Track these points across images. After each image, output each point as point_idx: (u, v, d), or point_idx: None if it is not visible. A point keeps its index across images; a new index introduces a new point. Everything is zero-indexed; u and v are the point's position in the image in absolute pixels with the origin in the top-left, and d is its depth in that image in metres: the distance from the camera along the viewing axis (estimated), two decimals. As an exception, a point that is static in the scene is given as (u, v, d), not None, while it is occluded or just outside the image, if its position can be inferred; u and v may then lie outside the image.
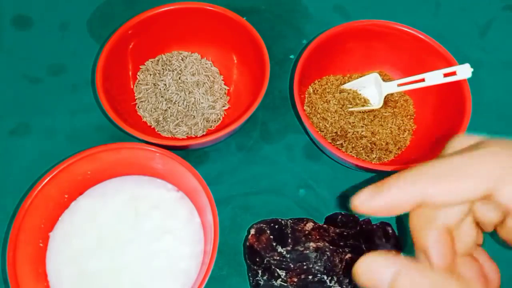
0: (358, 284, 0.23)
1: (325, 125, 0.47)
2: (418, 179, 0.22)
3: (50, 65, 0.52)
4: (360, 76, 0.50)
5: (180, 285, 0.37)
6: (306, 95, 0.49)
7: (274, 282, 0.38)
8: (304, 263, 0.38)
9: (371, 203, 0.23)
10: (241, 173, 0.46)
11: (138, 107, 0.48)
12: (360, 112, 0.48)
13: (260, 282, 0.38)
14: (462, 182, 0.21)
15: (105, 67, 0.43)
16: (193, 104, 0.47)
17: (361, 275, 0.23)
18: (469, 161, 0.21)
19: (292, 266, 0.38)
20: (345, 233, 0.40)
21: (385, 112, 0.48)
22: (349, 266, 0.38)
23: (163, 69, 0.48)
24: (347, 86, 0.49)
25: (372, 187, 0.23)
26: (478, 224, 0.24)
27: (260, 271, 0.38)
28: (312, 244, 0.38)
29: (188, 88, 0.47)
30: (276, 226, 0.40)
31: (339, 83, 0.49)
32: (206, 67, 0.49)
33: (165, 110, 0.47)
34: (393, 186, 0.22)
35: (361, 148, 0.46)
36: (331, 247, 0.38)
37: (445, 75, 0.43)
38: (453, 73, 0.42)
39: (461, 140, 0.24)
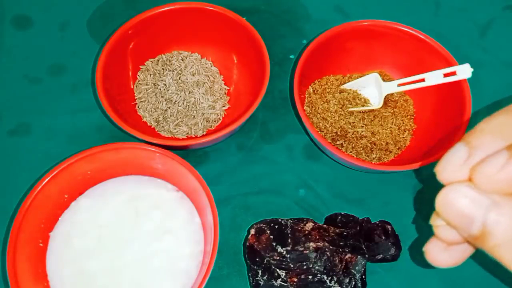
0: (442, 216, 0.19)
1: (325, 125, 0.47)
2: None
3: (50, 65, 0.52)
4: (360, 76, 0.50)
5: (180, 285, 0.37)
6: (306, 95, 0.49)
7: (274, 282, 0.38)
8: (304, 263, 0.38)
9: (509, 170, 0.18)
10: (241, 173, 0.46)
11: (138, 107, 0.48)
12: (360, 112, 0.48)
13: (260, 282, 0.38)
14: None
15: (105, 67, 0.43)
16: (193, 104, 0.47)
17: (447, 207, 0.19)
18: None
19: (292, 266, 0.38)
20: (345, 233, 0.40)
21: (385, 112, 0.48)
22: (349, 266, 0.38)
23: (163, 69, 0.48)
24: (347, 86, 0.49)
25: (498, 153, 0.18)
26: None
27: (260, 271, 0.38)
28: (312, 244, 0.38)
29: (188, 88, 0.47)
30: (276, 226, 0.40)
31: (339, 83, 0.49)
32: (206, 67, 0.49)
33: (165, 110, 0.47)
34: None
35: (361, 148, 0.46)
36: (331, 247, 0.38)
37: (445, 75, 0.43)
38: (453, 73, 0.42)
39: None
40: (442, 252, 0.22)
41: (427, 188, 0.46)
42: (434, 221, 0.21)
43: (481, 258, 0.39)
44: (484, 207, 0.18)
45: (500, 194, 0.18)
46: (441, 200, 0.19)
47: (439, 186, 0.21)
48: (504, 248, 0.18)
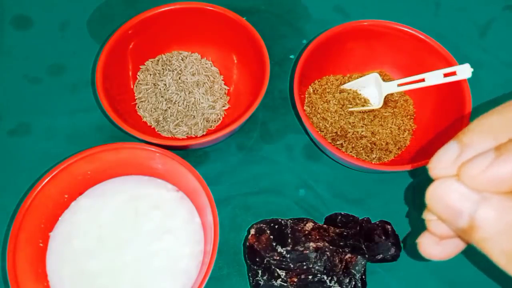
0: (432, 210, 0.20)
1: (325, 125, 0.47)
2: None
3: (50, 65, 0.52)
4: (360, 76, 0.50)
5: (180, 285, 0.37)
6: (306, 95, 0.49)
7: (274, 282, 0.38)
8: (304, 263, 0.38)
9: (493, 171, 0.18)
10: (241, 173, 0.46)
11: (138, 107, 0.48)
12: (360, 112, 0.48)
13: (260, 282, 0.38)
14: None
15: (105, 67, 0.43)
16: (193, 104, 0.47)
17: (436, 201, 0.20)
18: None
19: (292, 266, 0.38)
20: (345, 233, 0.40)
21: (385, 112, 0.48)
22: (349, 266, 0.38)
23: (163, 69, 0.48)
24: (347, 86, 0.49)
25: (485, 153, 0.18)
26: None
27: (260, 271, 0.38)
28: (312, 244, 0.38)
29: (188, 88, 0.47)
30: (276, 226, 0.40)
31: (339, 83, 0.49)
32: (206, 67, 0.49)
33: (165, 110, 0.47)
34: None
35: (361, 148, 0.46)
36: (331, 247, 0.38)
37: (445, 75, 0.43)
38: (453, 73, 0.42)
39: None
40: (434, 246, 0.23)
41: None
42: (427, 215, 0.22)
43: (480, 259, 0.39)
44: (472, 201, 0.18)
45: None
46: (431, 194, 0.20)
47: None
48: (492, 242, 0.18)
